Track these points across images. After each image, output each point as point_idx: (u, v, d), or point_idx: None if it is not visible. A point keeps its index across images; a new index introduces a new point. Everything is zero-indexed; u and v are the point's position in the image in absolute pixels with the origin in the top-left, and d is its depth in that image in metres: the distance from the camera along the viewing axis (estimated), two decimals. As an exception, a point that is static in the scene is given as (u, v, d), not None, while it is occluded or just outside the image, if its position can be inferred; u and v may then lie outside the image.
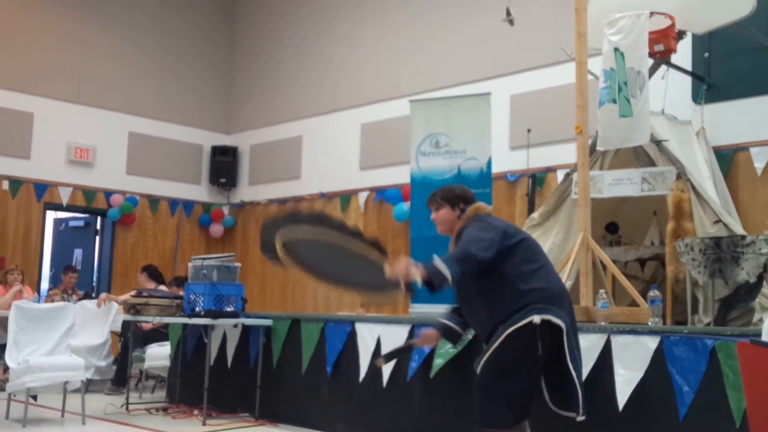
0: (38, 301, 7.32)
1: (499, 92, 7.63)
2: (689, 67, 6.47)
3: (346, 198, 9.40)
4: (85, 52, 9.74)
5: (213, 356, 6.06)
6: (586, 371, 4.03)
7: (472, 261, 3.14)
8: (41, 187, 9.30)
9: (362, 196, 9.22)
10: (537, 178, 7.60)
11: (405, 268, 3.03)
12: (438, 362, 4.64)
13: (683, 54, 6.15)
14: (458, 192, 3.52)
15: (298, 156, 10.10)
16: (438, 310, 4.33)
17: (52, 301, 7.52)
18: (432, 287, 3.06)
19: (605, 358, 4.09)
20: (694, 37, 6.30)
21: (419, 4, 9.02)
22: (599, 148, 5.58)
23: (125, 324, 6.88)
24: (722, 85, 6.39)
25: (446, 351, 4.59)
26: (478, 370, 3.26)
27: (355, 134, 9.42)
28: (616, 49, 5.22)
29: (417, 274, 3.01)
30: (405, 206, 8.57)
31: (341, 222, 3.52)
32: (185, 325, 6.30)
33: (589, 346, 4.14)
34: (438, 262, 3.06)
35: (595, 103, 5.53)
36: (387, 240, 8.88)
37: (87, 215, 10.03)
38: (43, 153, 9.32)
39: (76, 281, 8.40)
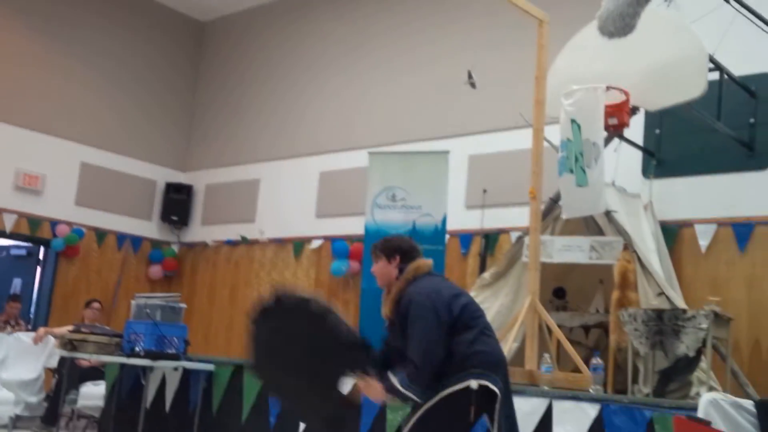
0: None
1: (458, 151, 7.75)
2: (641, 142, 6.69)
3: (299, 245, 9.35)
4: (43, 77, 9.58)
5: (150, 399, 5.89)
6: (527, 436, 4.04)
7: (426, 376, 3.15)
8: (-16, 213, 9.04)
9: (316, 244, 9.20)
10: (490, 239, 7.69)
11: (381, 396, 3.22)
12: (391, 418, 4.59)
13: (635, 129, 6.35)
14: (395, 244, 3.45)
15: (253, 199, 10.04)
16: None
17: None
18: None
19: (546, 423, 4.11)
20: (647, 114, 6.53)
21: (384, 56, 9.17)
22: (563, 216, 5.70)
23: (62, 359, 6.66)
24: (671, 162, 6.60)
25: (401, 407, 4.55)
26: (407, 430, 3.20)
27: (313, 181, 9.43)
28: (572, 120, 5.37)
29: (389, 400, 3.23)
30: (344, 264, 8.59)
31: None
32: (123, 365, 6.13)
33: (531, 410, 4.17)
34: (400, 387, 3.13)
35: (550, 169, 5.67)
36: (337, 290, 8.84)
37: (30, 244, 9.76)
38: (-10, 177, 9.09)
39: (19, 311, 8.12)
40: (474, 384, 3.12)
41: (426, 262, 3.44)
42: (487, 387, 3.14)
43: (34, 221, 9.39)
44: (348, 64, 9.50)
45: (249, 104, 10.40)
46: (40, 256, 9.75)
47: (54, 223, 9.54)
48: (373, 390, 3.19)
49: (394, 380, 3.13)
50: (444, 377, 3.17)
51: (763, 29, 5.82)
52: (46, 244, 9.57)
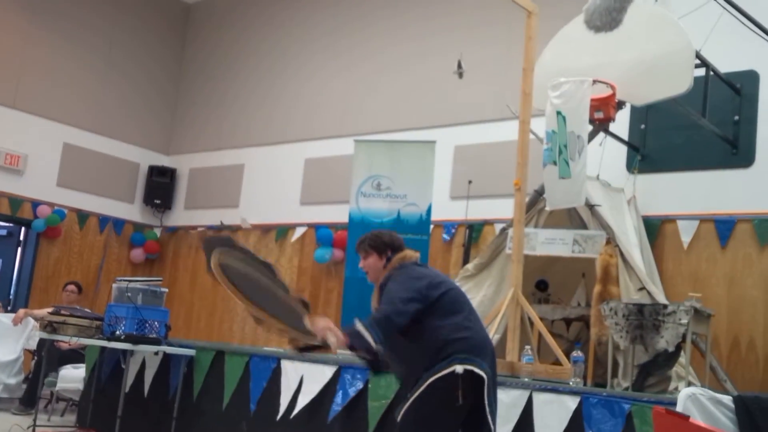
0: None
1: (444, 141, 7.75)
2: (626, 137, 6.72)
3: (282, 231, 9.33)
4: (26, 55, 9.45)
5: (129, 383, 5.87)
6: (508, 429, 4.07)
7: (390, 326, 3.13)
8: (-36, 191, 8.93)
9: (300, 231, 9.17)
10: (474, 229, 7.71)
11: (323, 329, 3.07)
12: (374, 405, 4.60)
13: (621, 123, 6.37)
14: (386, 239, 3.52)
15: (238, 184, 9.99)
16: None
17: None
18: (354, 350, 3.09)
19: (526, 415, 4.14)
20: (633, 109, 6.55)
21: (373, 45, 9.13)
22: (547, 208, 5.72)
23: (41, 341, 6.62)
24: (655, 157, 6.64)
25: (383, 395, 4.56)
26: (399, 419, 3.24)
27: (298, 168, 9.39)
28: (558, 112, 5.38)
29: (336, 339, 3.04)
30: (328, 252, 8.57)
31: (270, 265, 3.48)
32: (103, 348, 6.09)
33: (512, 402, 4.19)
34: (360, 326, 3.06)
35: (535, 161, 5.68)
36: (320, 278, 8.83)
37: (11, 224, 9.66)
38: (-29, 156, 8.97)
39: None
40: (459, 368, 3.15)
41: (413, 253, 3.52)
42: (472, 371, 3.17)
43: (15, 201, 9.30)
44: (336, 51, 9.44)
45: (235, 89, 10.32)
46: (21, 237, 9.67)
47: (35, 204, 9.44)
48: (319, 320, 3.12)
49: (356, 321, 3.10)
50: (430, 364, 3.19)
51: (749, 27, 5.85)
52: (27, 224, 9.48)
